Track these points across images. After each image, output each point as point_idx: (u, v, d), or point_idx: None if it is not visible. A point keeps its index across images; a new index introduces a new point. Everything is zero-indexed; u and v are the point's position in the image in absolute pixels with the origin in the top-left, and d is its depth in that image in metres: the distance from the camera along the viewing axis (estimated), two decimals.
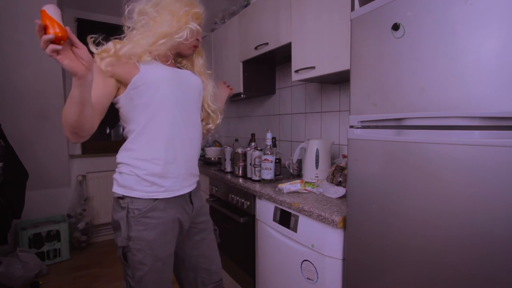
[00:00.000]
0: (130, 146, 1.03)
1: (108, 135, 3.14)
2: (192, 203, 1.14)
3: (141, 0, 1.03)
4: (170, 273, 1.09)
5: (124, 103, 1.01)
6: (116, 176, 1.05)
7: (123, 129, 1.09)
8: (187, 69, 1.21)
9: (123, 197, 1.00)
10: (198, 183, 1.21)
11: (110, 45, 0.97)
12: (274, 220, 1.38)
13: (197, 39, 1.14)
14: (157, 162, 1.01)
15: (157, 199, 1.01)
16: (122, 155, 1.05)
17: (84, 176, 2.85)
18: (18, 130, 2.32)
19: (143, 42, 0.98)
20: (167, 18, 1.01)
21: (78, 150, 2.90)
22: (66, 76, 2.71)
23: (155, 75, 1.01)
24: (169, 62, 1.10)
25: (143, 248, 0.98)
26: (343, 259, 1.06)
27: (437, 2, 0.73)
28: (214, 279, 1.23)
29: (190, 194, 1.13)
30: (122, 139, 1.10)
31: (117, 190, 1.02)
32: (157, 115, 1.01)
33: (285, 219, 1.31)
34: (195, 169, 1.15)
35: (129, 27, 1.05)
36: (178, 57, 1.19)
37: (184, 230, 1.12)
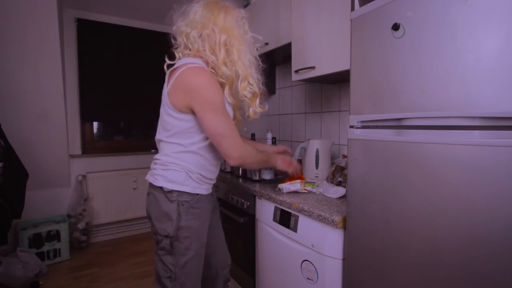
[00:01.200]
0: (185, 155, 1.09)
1: (108, 135, 3.13)
2: (212, 195, 1.27)
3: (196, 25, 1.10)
4: (204, 258, 1.20)
5: (193, 119, 1.06)
6: (160, 172, 1.10)
7: (166, 134, 1.11)
8: None
9: (171, 191, 1.07)
10: None
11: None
12: (274, 220, 1.38)
13: None
14: (209, 171, 1.15)
15: (199, 193, 1.13)
16: (172, 158, 1.09)
17: (84, 176, 2.85)
18: (18, 130, 2.32)
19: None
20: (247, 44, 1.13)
21: (78, 150, 2.90)
22: (66, 76, 2.71)
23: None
24: None
25: (190, 235, 1.08)
26: (343, 259, 1.06)
27: (437, 2, 0.73)
28: (228, 262, 1.38)
29: None
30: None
31: (166, 185, 1.08)
32: None
33: (285, 219, 1.31)
34: None
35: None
36: None
37: (211, 218, 1.24)
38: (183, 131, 1.07)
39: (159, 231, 1.09)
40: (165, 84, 1.08)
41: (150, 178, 1.14)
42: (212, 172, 1.17)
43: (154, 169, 1.13)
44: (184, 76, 1.01)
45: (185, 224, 1.07)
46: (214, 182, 1.22)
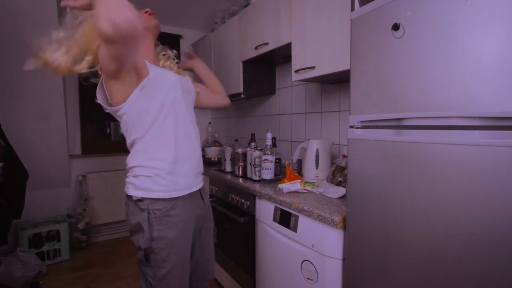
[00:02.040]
0: (142, 147, 1.03)
1: (108, 135, 3.14)
2: (203, 199, 1.19)
3: None
4: (188, 269, 1.11)
5: (131, 106, 0.99)
6: (131, 180, 1.04)
7: (127, 135, 1.06)
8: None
9: (142, 200, 1.01)
10: (203, 180, 1.26)
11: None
12: (274, 220, 1.38)
13: (145, 11, 1.13)
14: (173, 161, 1.04)
15: (176, 197, 1.04)
16: (135, 158, 1.04)
17: (84, 176, 2.85)
18: (18, 130, 2.32)
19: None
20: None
21: (78, 150, 2.90)
22: (66, 76, 2.71)
23: (165, 77, 1.06)
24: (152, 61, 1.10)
25: (166, 247, 1.01)
26: (343, 259, 1.06)
27: (437, 2, 0.73)
28: (209, 278, 1.28)
29: (200, 191, 1.18)
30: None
31: (135, 193, 1.02)
32: (168, 116, 1.04)
33: (285, 219, 1.31)
34: (202, 168, 1.21)
35: None
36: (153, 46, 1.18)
37: (198, 227, 1.16)
38: (135, 119, 1.00)
39: (134, 241, 1.04)
40: (101, 102, 1.04)
41: (125, 187, 1.08)
42: (178, 164, 1.04)
43: (127, 177, 1.08)
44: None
45: (159, 235, 1.00)
46: (194, 177, 1.11)
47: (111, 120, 3.06)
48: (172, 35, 3.11)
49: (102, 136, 3.11)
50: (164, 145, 1.04)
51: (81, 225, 2.71)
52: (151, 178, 1.01)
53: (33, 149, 2.47)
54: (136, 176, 1.03)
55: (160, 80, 1.03)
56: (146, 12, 1.15)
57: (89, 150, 2.95)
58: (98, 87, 1.02)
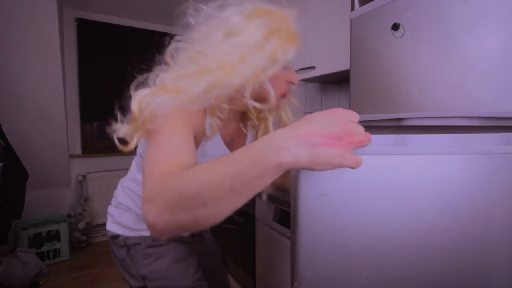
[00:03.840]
0: (131, 189, 0.86)
1: (108, 135, 3.13)
2: (202, 236, 1.01)
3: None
4: None
5: None
6: (112, 209, 0.88)
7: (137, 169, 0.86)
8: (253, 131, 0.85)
9: (117, 236, 0.85)
10: None
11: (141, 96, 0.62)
12: (274, 220, 1.38)
13: (289, 82, 0.74)
14: None
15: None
16: (124, 193, 0.87)
17: (84, 176, 2.85)
18: (18, 130, 2.32)
19: (188, 91, 0.59)
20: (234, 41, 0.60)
21: (78, 150, 2.90)
22: (66, 76, 2.71)
23: (211, 152, 0.74)
24: (232, 125, 0.78)
25: (162, 284, 0.82)
26: None
27: (436, 2, 0.73)
28: None
29: None
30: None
31: (111, 227, 0.86)
32: None
33: (285, 219, 1.31)
34: None
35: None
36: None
37: (204, 242, 1.00)
38: None
39: (127, 280, 0.85)
40: None
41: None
42: None
43: (111, 203, 0.91)
44: None
45: (148, 271, 0.80)
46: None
47: (112, 120, 3.05)
48: (170, 35, 3.11)
49: (102, 136, 3.11)
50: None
51: (81, 225, 2.71)
52: (131, 215, 0.83)
53: (33, 149, 2.47)
54: (117, 206, 0.87)
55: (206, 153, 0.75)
56: (290, 81, 0.76)
57: (89, 150, 2.95)
58: None
